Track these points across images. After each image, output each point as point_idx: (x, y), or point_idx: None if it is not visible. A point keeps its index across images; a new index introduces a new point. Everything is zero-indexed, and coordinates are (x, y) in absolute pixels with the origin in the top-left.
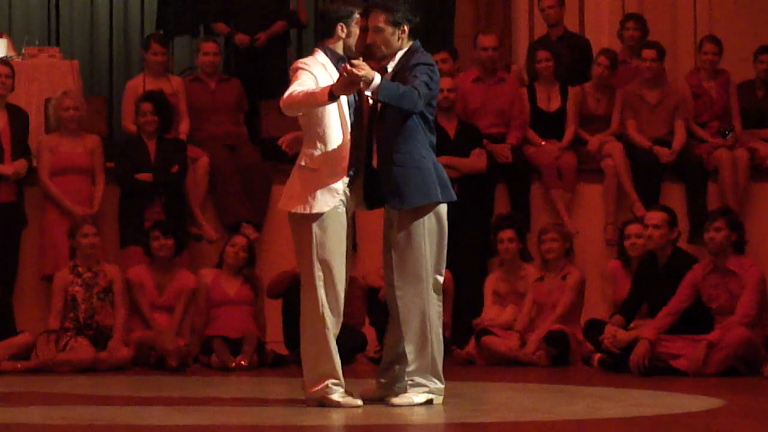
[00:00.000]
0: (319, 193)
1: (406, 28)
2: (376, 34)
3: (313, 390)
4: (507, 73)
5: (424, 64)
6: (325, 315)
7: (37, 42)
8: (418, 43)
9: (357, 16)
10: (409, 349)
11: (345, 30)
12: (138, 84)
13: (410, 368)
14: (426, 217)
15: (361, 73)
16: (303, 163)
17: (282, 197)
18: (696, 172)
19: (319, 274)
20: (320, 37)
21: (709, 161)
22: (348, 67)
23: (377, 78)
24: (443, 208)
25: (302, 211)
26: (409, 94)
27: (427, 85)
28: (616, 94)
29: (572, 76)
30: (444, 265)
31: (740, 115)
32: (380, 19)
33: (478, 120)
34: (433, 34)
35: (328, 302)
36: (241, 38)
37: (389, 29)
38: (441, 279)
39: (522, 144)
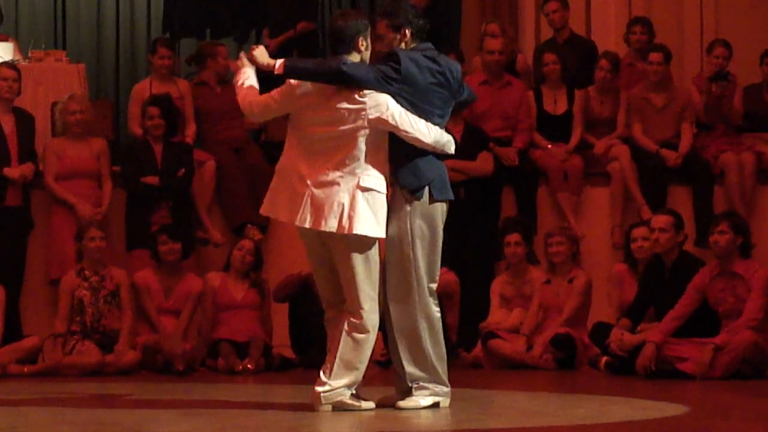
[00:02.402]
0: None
1: (407, 31)
2: (380, 42)
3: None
4: (513, 77)
5: (390, 56)
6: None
7: (43, 46)
8: (425, 45)
9: (370, 28)
10: (407, 362)
11: (365, 43)
12: (144, 87)
13: (410, 378)
14: (417, 222)
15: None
16: None
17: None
18: (703, 175)
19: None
20: (336, 52)
21: (716, 165)
22: (242, 54)
23: (278, 61)
24: (436, 213)
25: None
26: (324, 62)
27: (382, 72)
28: (620, 96)
29: (579, 80)
30: (437, 271)
31: (746, 117)
32: (382, 27)
33: (485, 123)
34: (440, 36)
35: None
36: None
37: (390, 35)
38: (434, 286)
39: (528, 147)
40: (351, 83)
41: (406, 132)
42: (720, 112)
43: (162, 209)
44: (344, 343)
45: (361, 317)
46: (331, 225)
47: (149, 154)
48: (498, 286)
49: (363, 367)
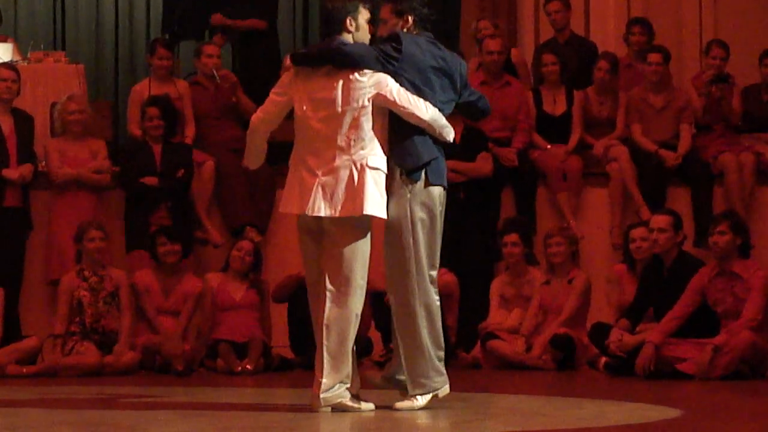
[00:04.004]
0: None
1: (410, 18)
2: (382, 26)
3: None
4: (512, 77)
5: (391, 37)
6: None
7: (42, 46)
8: (427, 33)
9: (363, 9)
10: (404, 352)
11: (354, 24)
12: (143, 88)
13: (407, 371)
14: (416, 208)
15: None
16: None
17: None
18: (702, 175)
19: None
20: (327, 33)
21: (715, 165)
22: None
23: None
24: (434, 198)
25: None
26: (324, 44)
27: (383, 51)
28: (619, 97)
29: (579, 80)
30: (438, 258)
31: (745, 118)
32: (386, 11)
33: (484, 124)
34: (439, 36)
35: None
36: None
37: (393, 20)
38: (435, 273)
39: (528, 148)
40: (351, 62)
41: (404, 107)
42: (719, 113)
43: (161, 210)
44: (328, 336)
45: (346, 305)
46: (344, 209)
47: (148, 155)
48: (497, 286)
49: (350, 352)
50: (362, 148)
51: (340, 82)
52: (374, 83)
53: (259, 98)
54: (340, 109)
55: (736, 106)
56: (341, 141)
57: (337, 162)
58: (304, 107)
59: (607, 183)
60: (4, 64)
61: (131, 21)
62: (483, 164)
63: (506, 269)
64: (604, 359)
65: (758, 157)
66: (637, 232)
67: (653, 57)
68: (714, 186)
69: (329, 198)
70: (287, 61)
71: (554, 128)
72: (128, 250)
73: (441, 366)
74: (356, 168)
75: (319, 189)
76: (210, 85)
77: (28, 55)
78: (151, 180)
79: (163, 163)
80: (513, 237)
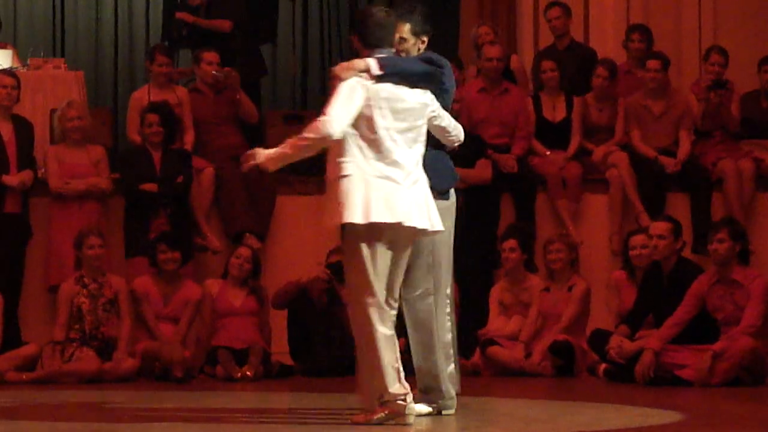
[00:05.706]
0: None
1: (425, 38)
2: (400, 44)
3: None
4: (512, 84)
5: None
6: None
7: (42, 53)
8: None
9: None
10: (416, 365)
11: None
12: (143, 95)
13: (418, 381)
14: (446, 225)
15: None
16: None
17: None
18: (701, 182)
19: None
20: (377, 45)
21: (714, 171)
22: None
23: (370, 61)
24: (453, 213)
25: None
26: (415, 63)
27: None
28: (618, 103)
29: (578, 87)
30: (450, 270)
31: (744, 124)
32: (404, 30)
33: (484, 130)
34: (438, 44)
35: None
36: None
37: (411, 40)
38: (449, 284)
39: (527, 154)
40: (436, 84)
41: (449, 128)
42: (718, 120)
43: (160, 216)
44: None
45: (393, 316)
46: (436, 223)
47: (148, 162)
48: (497, 293)
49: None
50: (418, 164)
51: (419, 97)
52: (431, 99)
53: None
54: (419, 123)
55: (735, 113)
56: (416, 154)
57: (415, 175)
58: (385, 118)
59: (606, 189)
60: (4, 71)
61: (131, 28)
62: (482, 171)
63: (505, 275)
64: (603, 366)
65: (757, 163)
66: (637, 240)
67: (652, 63)
68: (713, 192)
69: (421, 210)
70: (362, 65)
71: (554, 134)
72: (128, 256)
73: (448, 386)
74: (423, 183)
75: (412, 200)
76: (209, 91)
77: (28, 62)
78: (150, 186)
79: (162, 169)
80: (511, 243)
